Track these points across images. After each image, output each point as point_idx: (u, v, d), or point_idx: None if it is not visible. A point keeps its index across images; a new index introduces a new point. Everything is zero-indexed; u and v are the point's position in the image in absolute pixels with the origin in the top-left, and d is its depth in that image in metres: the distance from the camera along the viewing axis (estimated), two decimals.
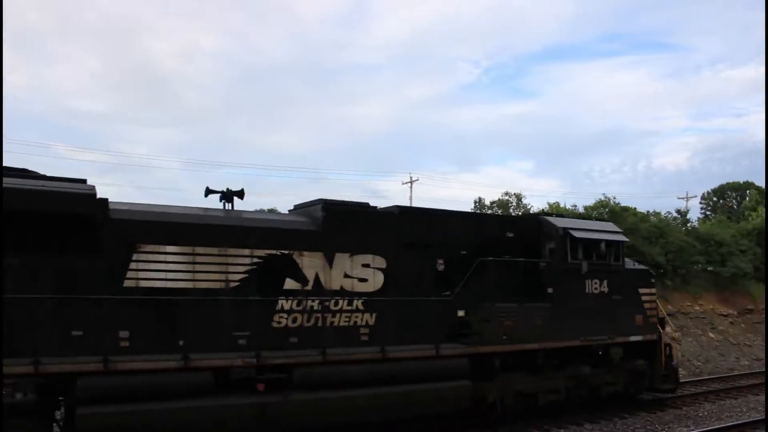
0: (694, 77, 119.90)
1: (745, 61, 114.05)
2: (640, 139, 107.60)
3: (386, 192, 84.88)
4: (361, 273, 9.77)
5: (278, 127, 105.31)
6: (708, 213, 58.27)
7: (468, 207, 46.33)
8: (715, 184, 62.17)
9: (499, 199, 47.12)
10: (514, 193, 47.40)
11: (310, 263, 9.35)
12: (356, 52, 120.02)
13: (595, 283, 11.89)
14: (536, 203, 60.23)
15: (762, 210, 33.64)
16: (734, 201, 58.35)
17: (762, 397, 13.61)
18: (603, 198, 31.88)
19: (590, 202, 32.84)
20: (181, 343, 8.23)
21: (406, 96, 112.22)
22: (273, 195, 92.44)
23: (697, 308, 23.40)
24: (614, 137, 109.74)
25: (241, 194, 9.88)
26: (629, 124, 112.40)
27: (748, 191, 52.92)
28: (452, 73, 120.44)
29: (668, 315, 16.38)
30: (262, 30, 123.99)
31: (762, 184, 49.26)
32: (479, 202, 47.92)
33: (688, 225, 39.70)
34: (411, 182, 48.64)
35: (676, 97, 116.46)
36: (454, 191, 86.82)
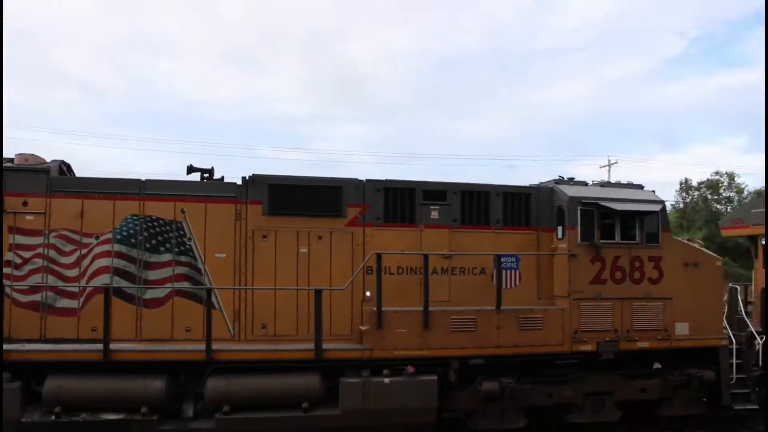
0: None
1: None
2: None
3: (584, 177, 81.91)
4: None
5: (473, 117, 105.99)
6: None
7: (673, 189, 43.30)
8: None
9: (707, 179, 44.51)
10: (726, 173, 44.74)
11: None
12: (551, 35, 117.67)
13: None
14: (752, 182, 51.89)
15: None
16: None
17: None
18: None
19: None
20: None
21: (604, 76, 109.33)
22: None
23: None
24: None
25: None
26: None
27: None
28: (655, 47, 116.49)
29: None
30: (455, 22, 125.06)
31: None
32: (685, 183, 44.85)
33: None
34: (609, 165, 46.66)
35: None
36: (656, 173, 79.48)
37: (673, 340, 10.47)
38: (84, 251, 8.99)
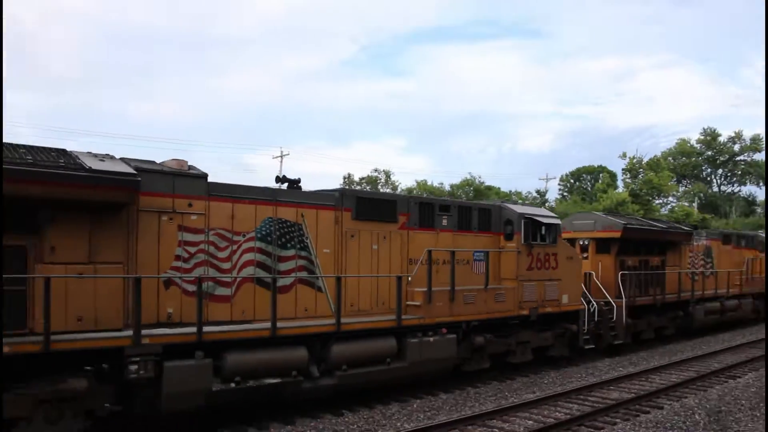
0: (561, 64, 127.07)
1: (606, 52, 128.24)
2: (508, 122, 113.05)
3: (256, 166, 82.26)
4: None
5: (148, 98, 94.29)
6: (565, 194, 62.05)
7: (337, 182, 44.28)
8: (574, 168, 66.38)
9: (368, 176, 46.78)
10: (383, 170, 48.03)
11: None
12: (232, 24, 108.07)
13: None
14: (405, 181, 57.33)
15: (612, 191, 41.33)
16: (588, 183, 62.71)
17: None
18: (469, 177, 34.10)
19: (457, 180, 34.47)
20: None
21: (281, 70, 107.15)
22: None
23: None
24: (483, 119, 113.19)
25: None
26: (498, 107, 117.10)
27: (600, 174, 56.70)
28: (330, 49, 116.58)
29: None
30: None
31: (612, 168, 58.29)
32: (348, 178, 45.78)
33: (546, 204, 44.76)
34: (281, 156, 47.18)
35: (544, 82, 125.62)
36: (324, 166, 78.25)
37: (561, 306, 16.54)
38: (234, 247, 10.73)
